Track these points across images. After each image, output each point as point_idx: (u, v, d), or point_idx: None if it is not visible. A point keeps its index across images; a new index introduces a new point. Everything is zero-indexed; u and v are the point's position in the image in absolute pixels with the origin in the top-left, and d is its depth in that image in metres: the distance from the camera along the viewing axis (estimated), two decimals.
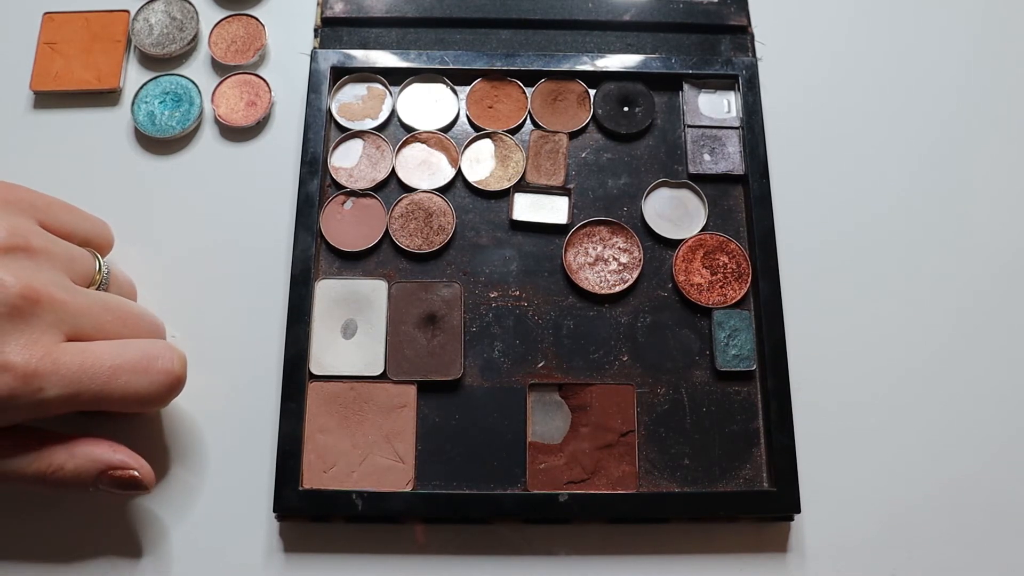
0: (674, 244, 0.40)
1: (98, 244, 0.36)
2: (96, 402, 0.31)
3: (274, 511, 0.35)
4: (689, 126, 0.42)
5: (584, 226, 0.40)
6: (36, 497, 0.36)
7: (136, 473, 0.33)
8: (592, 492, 0.36)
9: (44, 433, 0.33)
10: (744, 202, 0.41)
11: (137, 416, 0.37)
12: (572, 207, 0.41)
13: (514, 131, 0.42)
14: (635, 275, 0.39)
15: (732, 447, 0.37)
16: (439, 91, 0.43)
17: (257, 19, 0.44)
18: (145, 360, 0.32)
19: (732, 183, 0.41)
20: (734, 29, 0.44)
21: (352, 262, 0.39)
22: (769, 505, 0.36)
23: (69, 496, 0.36)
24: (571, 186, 0.41)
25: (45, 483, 0.32)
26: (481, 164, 0.41)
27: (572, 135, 0.42)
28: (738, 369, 0.38)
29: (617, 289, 0.39)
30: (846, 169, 0.43)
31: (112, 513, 0.36)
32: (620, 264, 0.40)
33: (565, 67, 0.42)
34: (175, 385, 0.33)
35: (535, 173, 0.41)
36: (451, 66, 0.42)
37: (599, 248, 0.40)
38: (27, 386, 0.29)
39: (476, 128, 0.42)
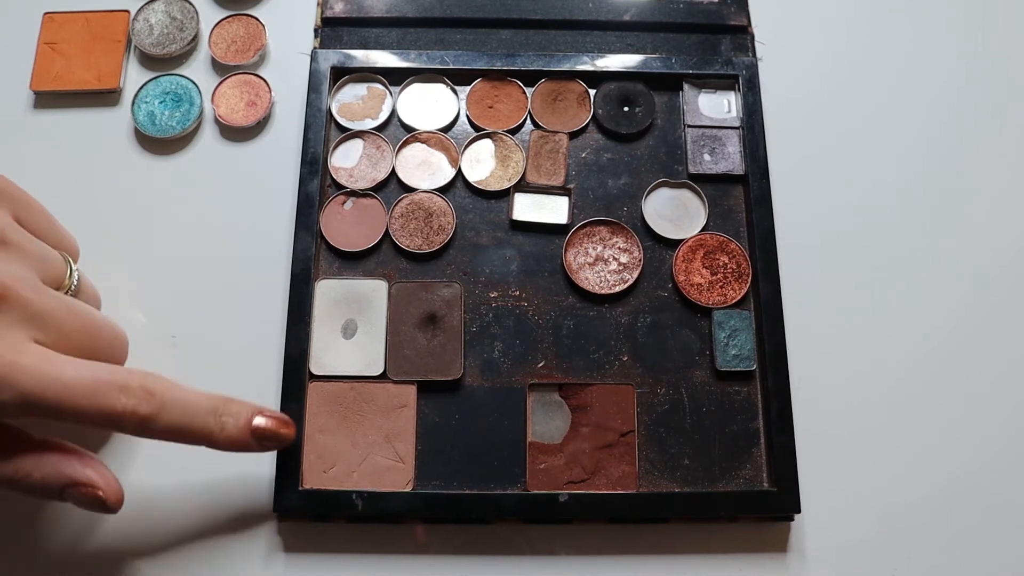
0: (674, 244, 0.40)
1: (68, 252, 0.35)
2: (50, 414, 0.29)
3: (274, 511, 0.35)
4: (689, 126, 0.42)
5: (584, 226, 0.40)
6: (34, 513, 0.36)
7: (100, 493, 0.31)
8: (592, 492, 0.36)
9: (16, 435, 0.31)
10: (744, 202, 0.41)
11: None
12: (572, 207, 0.41)
13: (514, 131, 0.42)
14: (635, 275, 0.39)
15: (732, 447, 0.37)
16: (439, 91, 0.43)
17: (257, 19, 0.44)
18: (105, 386, 0.30)
19: (732, 183, 0.41)
20: (734, 29, 0.44)
21: (352, 262, 0.39)
22: (769, 505, 0.36)
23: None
24: (571, 186, 0.41)
25: (12, 487, 0.31)
26: (481, 164, 0.41)
27: (572, 135, 0.42)
28: (738, 369, 0.38)
29: (617, 289, 0.39)
30: (846, 169, 0.43)
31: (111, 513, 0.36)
32: (620, 264, 0.40)
33: (565, 67, 0.42)
34: (132, 420, 0.30)
35: (535, 173, 0.41)
36: (451, 66, 0.42)
37: (599, 248, 0.40)
38: None
39: (476, 128, 0.42)
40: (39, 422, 0.30)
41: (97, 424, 0.30)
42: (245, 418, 0.32)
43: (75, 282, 0.34)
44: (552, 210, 0.41)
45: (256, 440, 0.33)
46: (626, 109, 0.42)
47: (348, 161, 0.41)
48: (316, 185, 0.40)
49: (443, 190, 0.41)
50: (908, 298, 0.41)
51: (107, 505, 0.31)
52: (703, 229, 0.40)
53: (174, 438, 0.31)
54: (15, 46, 0.43)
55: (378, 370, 0.37)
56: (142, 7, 0.44)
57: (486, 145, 0.42)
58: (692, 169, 0.41)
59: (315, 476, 0.36)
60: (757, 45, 0.44)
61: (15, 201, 0.33)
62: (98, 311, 0.36)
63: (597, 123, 0.42)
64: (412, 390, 0.37)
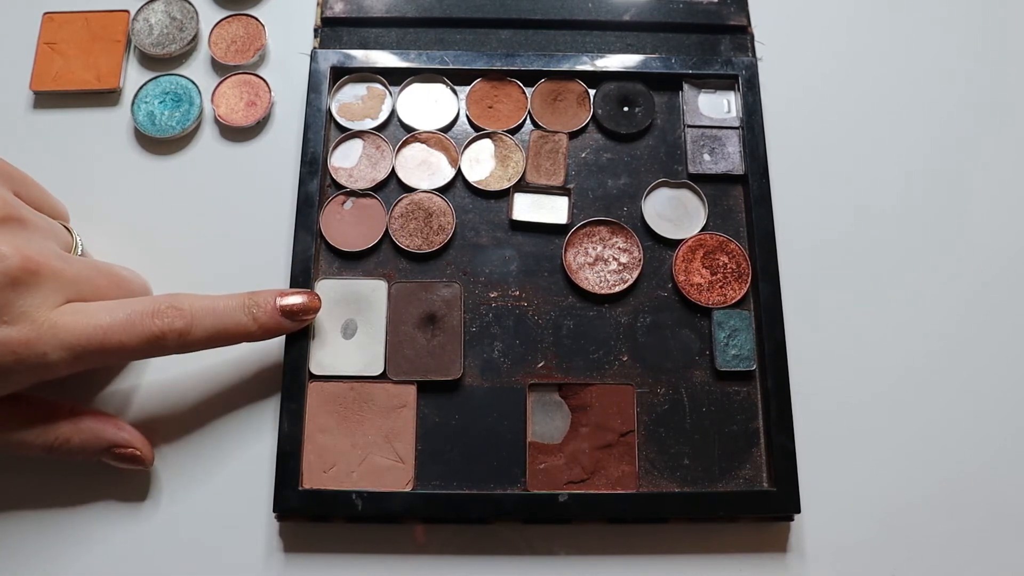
0: (674, 244, 0.40)
1: (63, 220, 0.37)
2: (100, 359, 0.31)
3: (274, 511, 0.35)
4: (689, 126, 0.42)
5: (584, 226, 0.40)
6: (33, 512, 0.36)
7: (138, 452, 0.35)
8: (592, 492, 0.36)
9: (51, 405, 0.34)
10: (744, 202, 0.41)
11: (135, 415, 0.37)
12: (572, 207, 0.41)
13: (514, 131, 0.42)
14: (635, 275, 0.39)
15: (732, 447, 0.37)
16: (439, 91, 0.43)
17: (257, 19, 0.44)
18: (139, 316, 0.32)
19: (732, 183, 0.41)
20: (734, 29, 0.44)
21: (352, 262, 0.39)
22: (769, 505, 0.36)
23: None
24: (571, 186, 0.41)
25: (51, 454, 0.33)
26: (481, 164, 0.41)
27: (572, 135, 0.42)
28: (738, 369, 0.38)
29: (617, 289, 0.39)
30: (846, 169, 0.43)
31: (112, 511, 0.36)
32: (620, 264, 0.40)
33: (565, 67, 0.42)
34: (172, 336, 0.33)
35: (535, 173, 0.41)
36: (451, 66, 0.42)
37: (599, 248, 0.40)
38: (31, 351, 0.30)
39: (476, 128, 0.42)
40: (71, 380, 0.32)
41: (142, 352, 0.32)
42: (271, 303, 0.35)
43: (81, 250, 0.36)
44: (552, 210, 0.41)
45: (288, 318, 0.35)
46: (626, 109, 0.42)
47: (348, 161, 0.41)
48: (316, 185, 0.40)
49: (443, 190, 0.41)
50: (908, 298, 0.41)
51: (144, 462, 0.35)
52: (703, 229, 0.40)
53: (215, 343, 0.34)
54: (15, 46, 0.43)
55: (378, 370, 0.37)
56: (142, 7, 0.44)
57: (486, 145, 0.42)
58: (692, 169, 0.41)
59: (315, 476, 0.36)
60: (757, 45, 0.44)
61: (12, 179, 0.34)
62: (115, 264, 0.37)
63: (597, 123, 0.42)
64: (412, 390, 0.37)
